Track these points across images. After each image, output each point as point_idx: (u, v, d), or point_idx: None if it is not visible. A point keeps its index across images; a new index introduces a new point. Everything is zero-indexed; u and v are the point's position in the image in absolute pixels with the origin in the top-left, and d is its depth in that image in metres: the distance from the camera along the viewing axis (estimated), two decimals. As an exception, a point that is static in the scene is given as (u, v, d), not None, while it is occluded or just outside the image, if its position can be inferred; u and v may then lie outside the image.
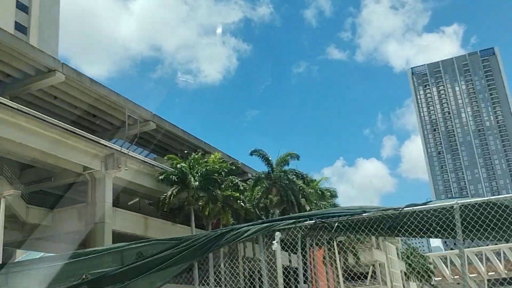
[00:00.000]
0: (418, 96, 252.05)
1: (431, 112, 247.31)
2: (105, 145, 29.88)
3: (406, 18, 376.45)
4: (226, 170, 34.65)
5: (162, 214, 37.25)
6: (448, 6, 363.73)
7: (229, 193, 35.19)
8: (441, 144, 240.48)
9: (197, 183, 32.18)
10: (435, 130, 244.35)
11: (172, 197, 32.29)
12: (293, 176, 36.43)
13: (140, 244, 6.07)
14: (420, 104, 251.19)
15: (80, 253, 6.45)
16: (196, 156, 34.53)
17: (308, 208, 35.85)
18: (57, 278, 6.42)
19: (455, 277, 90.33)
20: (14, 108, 24.13)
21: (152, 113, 35.34)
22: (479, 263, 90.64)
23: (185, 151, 37.18)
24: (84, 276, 6.35)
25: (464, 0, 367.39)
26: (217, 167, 34.22)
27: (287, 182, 35.83)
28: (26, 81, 28.23)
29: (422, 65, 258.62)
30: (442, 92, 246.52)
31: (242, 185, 35.00)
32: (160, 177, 33.36)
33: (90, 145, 29.11)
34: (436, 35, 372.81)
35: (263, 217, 37.75)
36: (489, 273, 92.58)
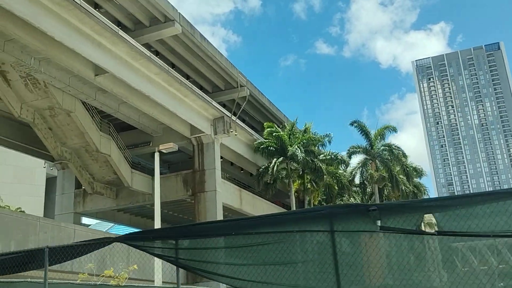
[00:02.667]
0: (422, 89, 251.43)
1: (434, 105, 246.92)
2: (217, 108, 27.29)
3: (394, 16, 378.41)
4: (322, 142, 32.31)
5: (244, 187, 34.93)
6: (436, 4, 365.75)
7: (325, 166, 32.87)
8: (443, 137, 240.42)
9: (303, 154, 29.73)
10: (438, 123, 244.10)
11: (275, 168, 29.81)
12: (397, 151, 34.22)
13: None
14: (423, 97, 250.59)
15: None
16: (293, 125, 32.10)
17: (402, 186, 33.68)
18: None
19: None
20: (147, 56, 21.45)
21: (246, 79, 32.80)
22: None
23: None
24: None
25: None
26: (313, 138, 31.84)
27: (389, 157, 33.61)
28: (136, 32, 25.51)
29: (427, 58, 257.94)
30: (446, 85, 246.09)
31: (345, 159, 32.68)
32: (261, 146, 30.87)
33: (204, 106, 26.55)
34: (423, 33, 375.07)
35: (358, 194, 35.53)
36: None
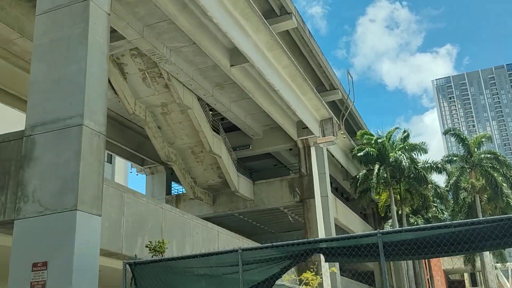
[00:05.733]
0: (442, 108, 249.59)
1: (455, 124, 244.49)
2: (328, 109, 25.64)
3: (399, 39, 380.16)
4: (424, 149, 30.46)
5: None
6: (442, 28, 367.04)
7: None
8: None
9: (408, 160, 27.87)
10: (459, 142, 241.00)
11: (379, 175, 27.92)
12: (495, 161, 32.32)
13: None
14: (444, 116, 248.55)
15: None
16: (391, 132, 30.36)
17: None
18: None
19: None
20: (282, 46, 19.90)
21: (339, 81, 31.23)
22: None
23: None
24: None
25: (458, 22, 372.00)
26: (415, 145, 30.01)
27: (491, 166, 31.67)
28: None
29: (447, 77, 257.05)
30: (467, 104, 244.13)
31: (446, 167, 30.75)
32: (359, 153, 29.05)
33: (317, 106, 24.93)
34: (430, 56, 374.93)
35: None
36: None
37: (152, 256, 8.83)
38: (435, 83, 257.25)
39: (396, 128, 30.75)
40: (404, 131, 30.87)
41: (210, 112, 24.83)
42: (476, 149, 33.32)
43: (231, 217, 31.77)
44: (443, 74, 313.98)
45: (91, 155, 9.10)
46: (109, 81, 20.73)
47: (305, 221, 25.01)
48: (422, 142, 29.98)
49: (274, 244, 5.80)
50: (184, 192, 28.97)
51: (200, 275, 6.14)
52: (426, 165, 30.64)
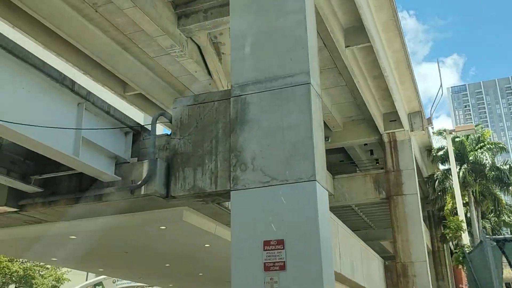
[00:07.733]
0: (457, 116, 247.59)
1: (470, 133, 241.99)
2: (418, 100, 24.27)
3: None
4: (505, 148, 29.08)
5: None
6: (449, 38, 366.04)
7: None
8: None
9: (488, 160, 26.46)
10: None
11: (461, 173, 26.48)
12: None
13: None
14: (458, 125, 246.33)
15: None
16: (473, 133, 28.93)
17: None
18: None
19: None
20: (399, 28, 18.54)
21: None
22: None
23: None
24: None
25: (465, 33, 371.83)
26: (498, 144, 28.61)
27: None
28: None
29: (463, 85, 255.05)
30: (482, 113, 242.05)
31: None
32: (439, 152, 27.62)
33: (411, 97, 23.55)
34: (436, 65, 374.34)
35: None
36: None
37: (446, 239, 7.52)
38: (450, 91, 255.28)
39: (479, 125, 29.32)
40: (482, 132, 29.46)
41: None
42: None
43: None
44: (449, 84, 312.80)
45: (316, 119, 7.79)
46: (204, 60, 19.54)
47: (391, 219, 23.61)
48: (501, 142, 28.49)
49: None
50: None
51: None
52: (504, 167, 29.19)
